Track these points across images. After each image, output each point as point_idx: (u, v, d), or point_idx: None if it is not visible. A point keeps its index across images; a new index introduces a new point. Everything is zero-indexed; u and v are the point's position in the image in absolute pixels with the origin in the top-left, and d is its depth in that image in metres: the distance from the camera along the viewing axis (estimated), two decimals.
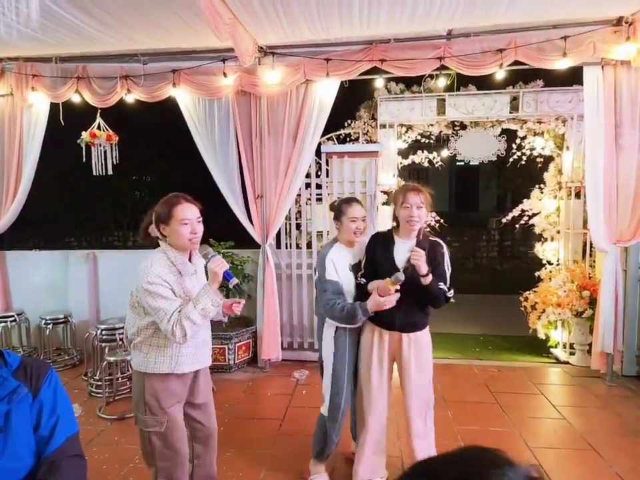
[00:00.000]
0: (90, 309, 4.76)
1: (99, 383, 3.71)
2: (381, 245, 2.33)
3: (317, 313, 2.66)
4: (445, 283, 2.23)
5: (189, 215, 1.87)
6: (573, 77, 4.07)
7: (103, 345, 3.84)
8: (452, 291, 2.26)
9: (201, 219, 1.92)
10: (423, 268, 2.13)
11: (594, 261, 4.33)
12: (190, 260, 1.98)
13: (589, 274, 4.31)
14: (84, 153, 4.17)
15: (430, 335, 2.42)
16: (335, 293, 2.30)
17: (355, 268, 2.41)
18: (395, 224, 2.37)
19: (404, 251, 2.24)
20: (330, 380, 2.41)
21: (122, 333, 4.06)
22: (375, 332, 2.36)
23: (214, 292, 1.82)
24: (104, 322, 4.09)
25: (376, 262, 2.30)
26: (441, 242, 2.33)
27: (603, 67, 3.71)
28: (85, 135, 4.08)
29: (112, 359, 3.52)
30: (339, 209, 2.45)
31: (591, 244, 4.19)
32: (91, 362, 4.03)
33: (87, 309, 4.75)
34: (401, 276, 2.05)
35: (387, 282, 2.09)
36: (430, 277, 2.15)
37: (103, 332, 3.91)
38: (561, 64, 3.60)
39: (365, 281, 2.32)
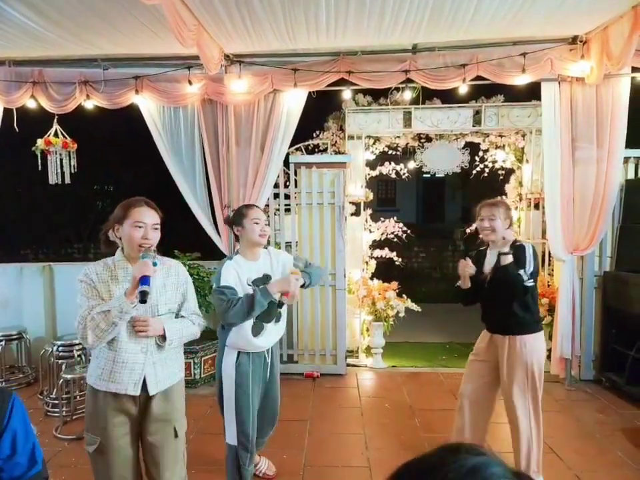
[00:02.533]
0: (46, 325, 4.53)
1: (56, 402, 3.54)
2: (477, 258, 2.61)
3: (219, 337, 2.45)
4: (525, 273, 2.40)
5: (144, 218, 1.78)
6: (532, 93, 4.25)
7: (60, 362, 3.65)
8: (531, 282, 2.41)
9: (158, 226, 1.83)
10: (504, 248, 2.42)
11: (552, 270, 4.49)
12: None
13: (548, 282, 4.46)
14: (39, 161, 3.99)
15: (534, 341, 2.47)
16: (232, 294, 2.15)
17: (258, 282, 2.24)
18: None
19: (492, 258, 2.50)
20: (234, 410, 2.28)
21: (80, 349, 3.88)
22: (484, 334, 2.61)
23: (125, 296, 1.66)
24: (60, 338, 3.90)
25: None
26: (525, 244, 2.49)
27: (559, 83, 3.89)
28: (39, 142, 3.91)
29: (69, 376, 3.34)
30: (238, 213, 2.33)
31: (550, 253, 4.34)
32: (47, 380, 3.82)
33: (42, 325, 4.52)
34: (301, 259, 2.21)
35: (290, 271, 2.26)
36: (509, 257, 2.38)
37: (60, 348, 3.73)
38: (521, 80, 3.75)
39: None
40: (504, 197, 4.90)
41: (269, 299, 2.16)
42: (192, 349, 4.02)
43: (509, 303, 2.43)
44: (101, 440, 1.78)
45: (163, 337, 1.79)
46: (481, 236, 2.56)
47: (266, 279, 2.28)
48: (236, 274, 2.21)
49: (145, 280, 1.66)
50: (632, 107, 3.87)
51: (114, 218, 1.82)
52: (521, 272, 2.38)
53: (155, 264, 1.72)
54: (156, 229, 1.82)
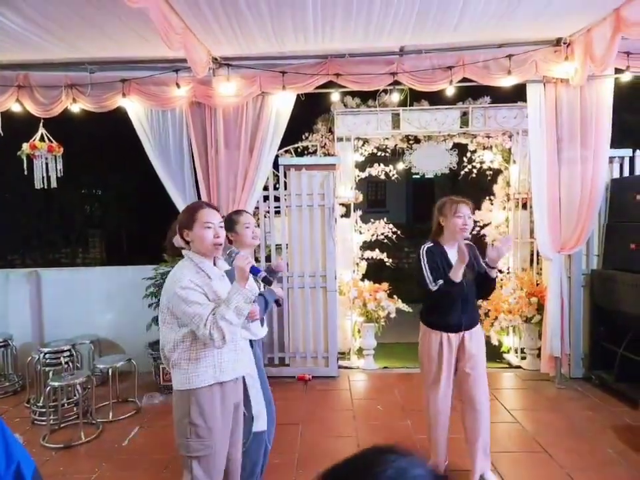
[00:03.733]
0: (33, 331, 4.46)
1: (43, 410, 3.49)
2: (438, 255, 2.53)
3: None
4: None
5: (212, 218, 1.88)
6: (518, 94, 4.30)
7: (47, 369, 3.61)
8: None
9: (223, 224, 1.95)
10: (496, 261, 2.48)
11: (541, 269, 4.54)
12: (214, 265, 1.96)
13: (537, 281, 4.51)
14: (25, 166, 3.94)
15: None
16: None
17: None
18: (437, 233, 2.60)
19: (454, 254, 2.49)
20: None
21: (67, 356, 3.83)
22: (438, 337, 2.61)
23: (244, 288, 1.81)
24: (47, 345, 3.84)
25: (442, 269, 2.49)
26: (472, 244, 2.60)
27: (544, 84, 3.94)
28: (25, 147, 3.86)
29: (56, 383, 3.30)
30: (229, 220, 2.41)
31: (538, 252, 4.39)
32: (34, 388, 3.77)
33: (29, 332, 4.45)
34: (234, 250, 2.18)
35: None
36: (495, 271, 2.51)
37: (47, 355, 3.68)
38: (506, 81, 3.79)
39: (441, 281, 2.46)
40: (492, 197, 4.95)
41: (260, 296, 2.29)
42: None
43: (475, 303, 2.66)
44: (214, 441, 1.89)
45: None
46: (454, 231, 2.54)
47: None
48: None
49: (255, 268, 1.84)
50: (616, 107, 3.94)
51: (181, 224, 1.92)
52: (494, 274, 2.56)
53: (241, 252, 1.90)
54: (222, 226, 1.93)
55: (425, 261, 2.49)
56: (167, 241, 2.00)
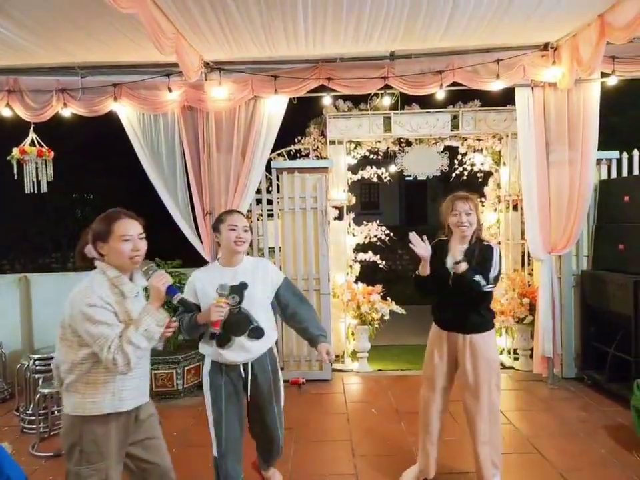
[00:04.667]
0: (22, 338, 4.41)
1: (32, 418, 3.43)
2: (439, 249, 2.48)
3: None
4: (485, 279, 2.33)
5: (130, 230, 1.72)
6: (507, 98, 4.35)
7: (37, 376, 3.55)
8: (490, 286, 2.37)
9: (143, 235, 1.78)
10: (457, 256, 2.35)
11: (532, 270, 4.58)
12: (131, 280, 1.80)
13: (528, 282, 4.55)
14: (15, 170, 3.91)
15: (492, 338, 2.51)
16: (184, 311, 2.15)
17: (236, 290, 2.14)
18: (446, 232, 2.54)
19: (458, 252, 2.39)
20: (212, 421, 2.22)
21: None
22: (437, 332, 2.55)
23: (156, 310, 1.69)
24: (37, 351, 3.79)
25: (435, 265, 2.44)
26: (493, 245, 2.46)
27: (532, 88, 4.00)
28: (15, 152, 3.84)
29: (46, 391, 3.25)
30: (217, 220, 2.25)
31: (529, 253, 4.43)
32: (24, 395, 3.71)
33: (18, 338, 4.40)
34: (226, 286, 2.05)
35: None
36: (462, 266, 2.31)
37: (37, 362, 3.62)
38: (495, 85, 3.84)
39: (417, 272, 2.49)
40: (483, 198, 4.99)
41: (195, 327, 2.12)
42: (174, 358, 3.97)
43: (472, 305, 2.42)
44: (107, 465, 1.76)
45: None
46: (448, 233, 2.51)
47: (242, 287, 2.16)
48: (193, 287, 2.21)
49: (172, 289, 1.71)
50: (603, 110, 4.00)
51: (95, 235, 1.74)
52: (478, 277, 2.30)
53: (159, 271, 1.76)
54: (142, 238, 1.77)
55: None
56: (77, 251, 1.83)
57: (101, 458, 1.70)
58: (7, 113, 4.00)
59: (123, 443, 1.78)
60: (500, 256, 2.43)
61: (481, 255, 2.40)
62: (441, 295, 2.54)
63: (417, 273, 2.51)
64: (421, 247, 2.39)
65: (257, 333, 2.18)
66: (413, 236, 2.37)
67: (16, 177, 3.93)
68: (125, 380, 1.73)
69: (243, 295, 2.16)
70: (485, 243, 2.46)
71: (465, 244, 2.43)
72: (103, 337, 1.61)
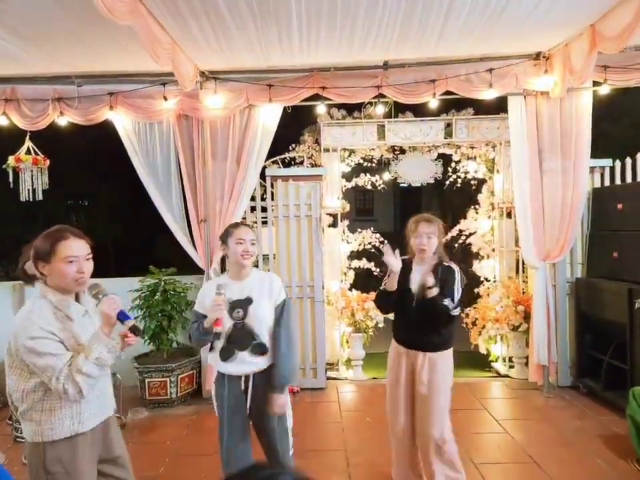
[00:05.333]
0: None
1: None
2: (402, 269, 2.44)
3: None
4: (452, 302, 2.36)
5: (75, 251, 1.61)
6: (500, 106, 4.38)
7: None
8: (457, 310, 2.38)
9: (90, 256, 1.68)
10: (429, 280, 2.34)
11: (526, 277, 4.59)
12: (77, 300, 1.72)
13: (523, 289, 4.55)
14: (11, 178, 3.92)
15: (449, 357, 2.50)
16: (194, 320, 2.22)
17: (236, 304, 2.17)
18: (409, 252, 2.55)
19: (418, 274, 2.43)
20: (219, 426, 2.25)
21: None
22: (397, 350, 2.54)
23: (107, 336, 1.59)
24: None
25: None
26: (454, 267, 2.47)
27: (525, 97, 4.03)
28: (10, 160, 3.86)
29: None
30: (225, 232, 2.28)
31: (523, 261, 4.43)
32: None
33: None
34: (223, 286, 2.10)
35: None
36: (434, 290, 2.33)
37: None
38: (488, 94, 3.87)
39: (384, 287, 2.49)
40: (477, 206, 5.01)
41: (204, 334, 2.14)
42: (167, 367, 3.95)
43: (434, 327, 2.42)
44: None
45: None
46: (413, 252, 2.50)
47: (247, 302, 2.17)
48: (203, 299, 2.23)
49: (123, 314, 1.62)
50: (596, 118, 4.03)
51: (36, 253, 1.63)
52: (447, 301, 2.33)
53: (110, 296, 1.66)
54: (88, 259, 1.67)
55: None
56: (19, 267, 1.73)
57: (68, 478, 1.62)
58: (3, 121, 4.02)
59: (91, 459, 1.71)
60: (461, 278, 2.44)
61: (444, 276, 2.42)
62: (402, 315, 2.54)
63: (382, 286, 2.51)
64: (394, 260, 2.38)
65: (260, 349, 2.17)
66: (387, 247, 2.40)
67: (12, 185, 3.94)
68: (82, 404, 1.65)
69: (247, 310, 2.16)
70: (446, 264, 2.47)
71: (424, 265, 2.45)
72: (50, 368, 1.53)
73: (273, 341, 2.21)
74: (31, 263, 1.66)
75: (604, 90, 3.87)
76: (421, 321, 2.40)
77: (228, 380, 2.21)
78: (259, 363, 2.19)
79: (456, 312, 2.37)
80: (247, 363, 2.17)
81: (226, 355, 2.17)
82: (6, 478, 1.11)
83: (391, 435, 2.62)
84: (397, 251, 2.42)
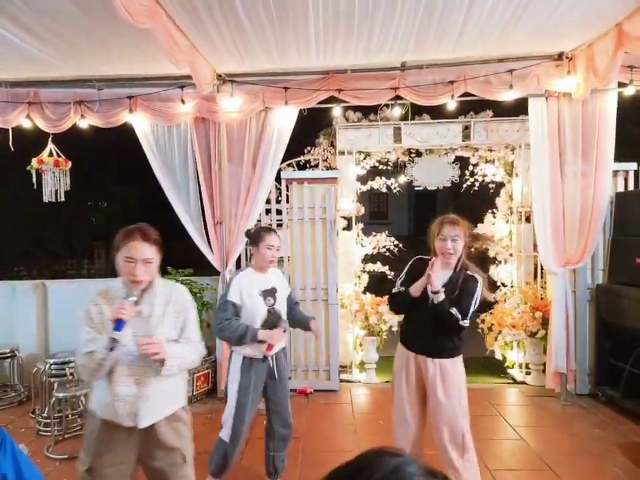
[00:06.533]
0: (38, 342, 4.51)
1: (48, 421, 3.51)
2: (420, 270, 2.33)
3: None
4: (462, 312, 2.24)
5: (135, 254, 1.71)
6: (520, 108, 4.30)
7: (52, 380, 3.63)
8: (467, 322, 2.27)
9: (152, 260, 1.75)
10: (435, 285, 2.24)
11: (545, 283, 4.50)
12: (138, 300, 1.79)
13: (541, 295, 4.47)
14: (34, 180, 4.03)
15: (461, 364, 2.43)
16: (233, 313, 2.43)
17: (267, 293, 2.54)
18: (433, 255, 2.39)
19: (440, 277, 2.30)
20: (234, 409, 2.50)
21: (72, 367, 3.85)
22: (405, 355, 2.46)
23: (109, 338, 1.63)
24: (53, 356, 3.88)
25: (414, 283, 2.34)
26: (477, 277, 2.33)
27: (546, 98, 3.95)
28: (33, 162, 3.96)
29: (61, 394, 3.32)
30: (257, 235, 2.56)
31: (542, 266, 4.35)
32: (39, 398, 3.79)
33: (35, 343, 4.51)
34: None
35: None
36: (440, 296, 2.24)
37: (52, 366, 3.71)
38: (508, 96, 3.80)
39: (403, 289, 2.40)
40: (495, 210, 4.94)
41: (255, 340, 2.42)
42: None
43: (445, 332, 2.33)
44: (90, 463, 1.78)
45: (162, 362, 1.72)
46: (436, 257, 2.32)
47: (273, 291, 2.56)
48: (238, 289, 2.47)
49: (119, 324, 1.62)
50: (621, 120, 3.92)
51: (113, 245, 1.79)
52: (454, 311, 2.22)
53: (135, 302, 1.71)
54: (149, 263, 1.74)
55: (406, 268, 2.48)
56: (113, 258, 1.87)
57: (86, 452, 1.81)
58: (27, 124, 4.12)
59: (110, 451, 1.78)
60: (483, 289, 2.34)
61: (464, 286, 2.30)
62: (415, 319, 2.41)
63: (401, 289, 2.39)
64: (439, 279, 2.25)
65: (286, 325, 2.58)
66: (437, 263, 2.25)
67: (35, 187, 4.05)
68: (99, 389, 1.80)
69: (275, 298, 2.56)
70: (470, 274, 2.33)
71: (448, 270, 2.35)
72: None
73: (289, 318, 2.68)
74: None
75: (629, 91, 3.76)
76: (434, 325, 2.29)
77: (257, 362, 2.51)
78: (282, 342, 2.60)
79: (466, 323, 2.26)
80: (280, 342, 2.56)
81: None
82: (29, 467, 1.16)
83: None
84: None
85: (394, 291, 2.46)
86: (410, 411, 2.43)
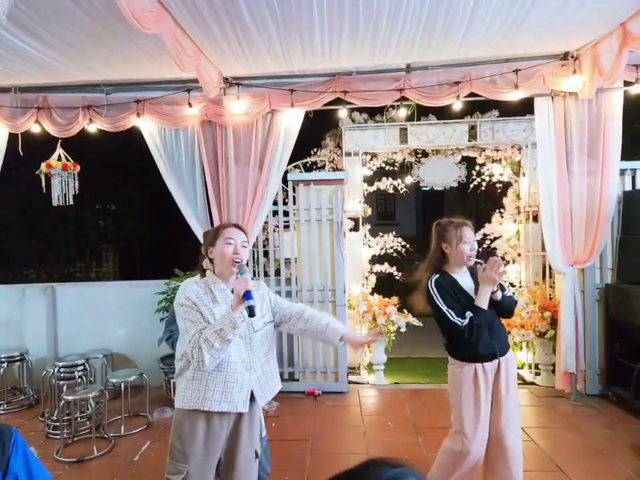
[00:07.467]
0: (47, 346, 4.53)
1: (57, 424, 3.53)
2: (449, 285, 2.29)
3: None
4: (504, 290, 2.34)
5: (234, 236, 1.90)
6: (527, 107, 4.29)
7: (61, 383, 3.66)
8: (515, 294, 2.44)
9: (247, 244, 1.95)
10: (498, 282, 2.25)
11: (553, 282, 4.47)
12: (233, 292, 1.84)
13: (550, 295, 4.44)
14: (43, 184, 4.07)
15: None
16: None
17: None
18: (439, 261, 2.36)
19: (467, 280, 2.35)
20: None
21: (81, 370, 3.88)
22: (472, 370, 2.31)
23: (233, 312, 1.71)
24: (62, 359, 3.90)
25: (459, 300, 2.27)
26: (481, 261, 2.36)
27: (552, 97, 3.94)
28: (42, 166, 4.00)
29: (70, 397, 3.34)
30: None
31: (550, 266, 4.33)
32: (49, 402, 3.82)
33: (44, 346, 4.53)
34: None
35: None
36: (499, 294, 2.28)
37: (61, 369, 3.73)
38: (514, 95, 3.80)
39: (469, 313, 2.21)
40: (502, 209, 4.92)
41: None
42: None
43: (502, 326, 2.40)
44: (188, 469, 1.78)
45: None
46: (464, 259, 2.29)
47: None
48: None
49: (248, 294, 1.74)
50: (628, 118, 3.90)
51: (207, 242, 1.94)
52: (510, 293, 2.38)
53: (252, 278, 1.82)
54: (245, 246, 1.93)
55: (439, 297, 2.24)
56: (199, 265, 2.02)
57: (184, 458, 1.79)
58: (36, 129, 4.17)
59: (211, 448, 1.81)
60: None
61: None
62: (485, 326, 2.31)
63: (469, 316, 2.19)
64: (499, 273, 2.19)
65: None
66: (496, 261, 2.19)
67: (44, 191, 4.09)
68: (209, 380, 1.79)
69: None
70: (476, 261, 2.34)
71: (462, 272, 2.37)
72: (186, 332, 1.78)
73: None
74: (207, 260, 1.95)
75: (635, 89, 3.75)
76: (496, 322, 2.32)
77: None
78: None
79: (516, 296, 2.44)
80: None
81: None
82: (40, 468, 1.17)
83: (461, 467, 2.30)
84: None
85: (462, 323, 2.18)
86: (483, 426, 2.29)
